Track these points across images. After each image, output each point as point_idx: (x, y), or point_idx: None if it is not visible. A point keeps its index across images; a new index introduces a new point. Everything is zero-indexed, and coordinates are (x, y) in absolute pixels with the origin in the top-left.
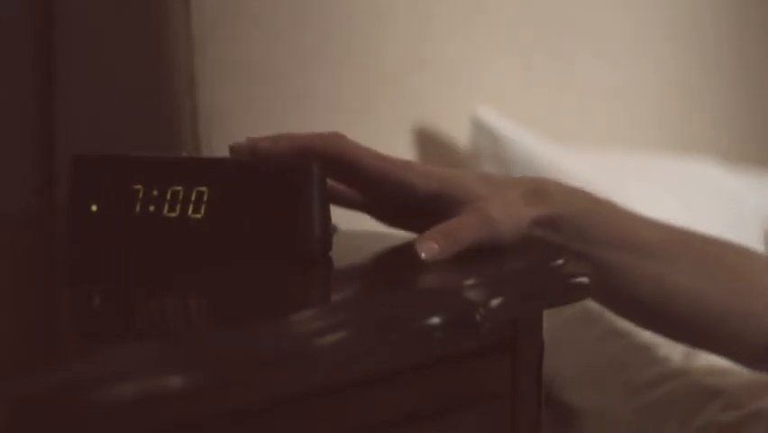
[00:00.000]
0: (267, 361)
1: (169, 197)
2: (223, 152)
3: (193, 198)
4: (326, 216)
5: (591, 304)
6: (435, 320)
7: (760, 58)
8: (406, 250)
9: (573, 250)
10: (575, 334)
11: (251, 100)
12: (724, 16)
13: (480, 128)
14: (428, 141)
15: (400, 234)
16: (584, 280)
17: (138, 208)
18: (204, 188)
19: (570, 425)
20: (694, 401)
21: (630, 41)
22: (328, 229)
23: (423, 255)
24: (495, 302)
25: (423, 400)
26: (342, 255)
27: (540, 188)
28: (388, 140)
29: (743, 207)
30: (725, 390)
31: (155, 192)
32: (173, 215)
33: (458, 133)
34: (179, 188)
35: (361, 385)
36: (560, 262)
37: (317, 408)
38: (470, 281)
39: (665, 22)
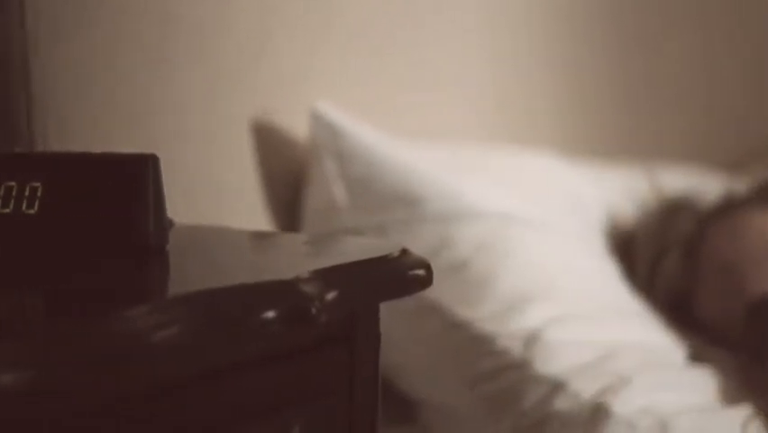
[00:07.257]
0: (100, 357)
1: (1, 193)
2: (57, 147)
3: (26, 194)
4: (162, 210)
5: (429, 296)
6: (271, 314)
7: (604, 56)
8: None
9: None
10: (413, 327)
11: (90, 98)
12: (571, 13)
13: (318, 122)
14: (267, 136)
15: (236, 229)
16: (421, 272)
17: None
18: (37, 184)
19: (411, 417)
20: (532, 393)
21: (474, 37)
22: (164, 223)
23: None
24: (331, 295)
25: (261, 395)
26: (178, 250)
27: None
28: (229, 136)
29: (582, 197)
30: (565, 381)
31: None
32: (6, 210)
33: (298, 128)
34: (12, 183)
35: (197, 382)
36: (396, 255)
37: (151, 405)
38: (305, 275)
39: (511, 17)
